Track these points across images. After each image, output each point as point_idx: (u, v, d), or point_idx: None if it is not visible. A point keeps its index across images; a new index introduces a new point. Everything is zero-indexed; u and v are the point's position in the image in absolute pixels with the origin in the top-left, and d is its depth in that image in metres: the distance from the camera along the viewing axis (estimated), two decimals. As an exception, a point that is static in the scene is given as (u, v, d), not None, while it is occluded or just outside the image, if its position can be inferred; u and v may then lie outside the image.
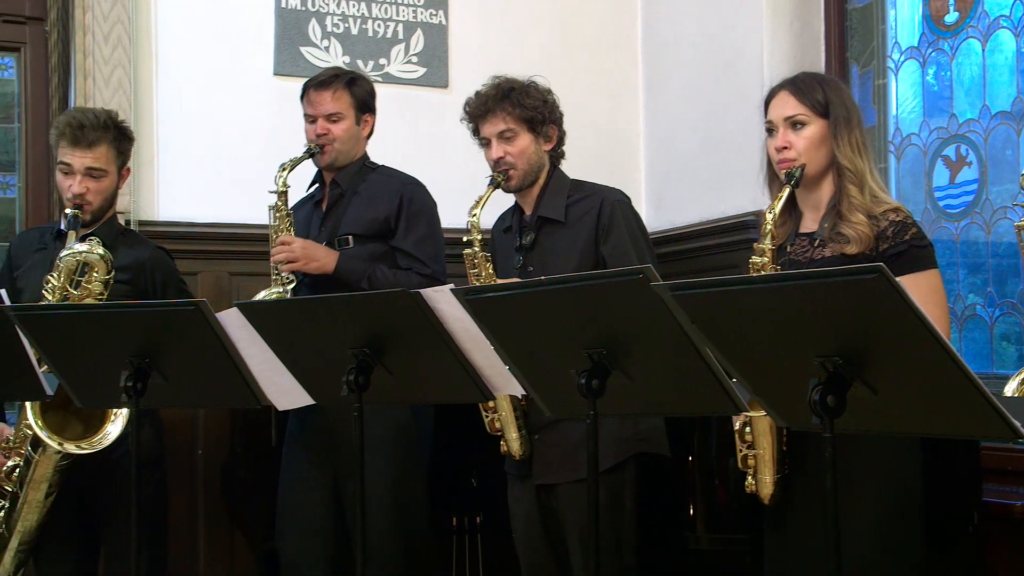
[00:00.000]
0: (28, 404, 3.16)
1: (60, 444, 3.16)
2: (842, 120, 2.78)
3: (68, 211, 3.32)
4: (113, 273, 3.26)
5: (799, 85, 2.82)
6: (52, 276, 3.24)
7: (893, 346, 1.89)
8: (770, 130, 2.85)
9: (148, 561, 3.31)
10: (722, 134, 4.49)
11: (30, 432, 3.20)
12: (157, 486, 3.46)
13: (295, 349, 2.68)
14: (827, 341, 1.92)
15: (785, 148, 2.78)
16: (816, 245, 2.77)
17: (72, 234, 3.26)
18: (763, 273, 2.68)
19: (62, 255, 3.23)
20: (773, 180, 2.87)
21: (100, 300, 3.21)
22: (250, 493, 4.24)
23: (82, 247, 3.23)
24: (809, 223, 2.84)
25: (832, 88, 2.83)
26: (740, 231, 4.24)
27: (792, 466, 2.73)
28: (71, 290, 3.23)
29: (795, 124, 2.79)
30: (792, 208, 2.87)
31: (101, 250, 3.24)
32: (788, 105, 2.81)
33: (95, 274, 3.24)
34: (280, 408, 2.90)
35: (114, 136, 3.41)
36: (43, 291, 3.24)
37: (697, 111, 4.68)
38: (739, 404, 2.22)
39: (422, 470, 3.62)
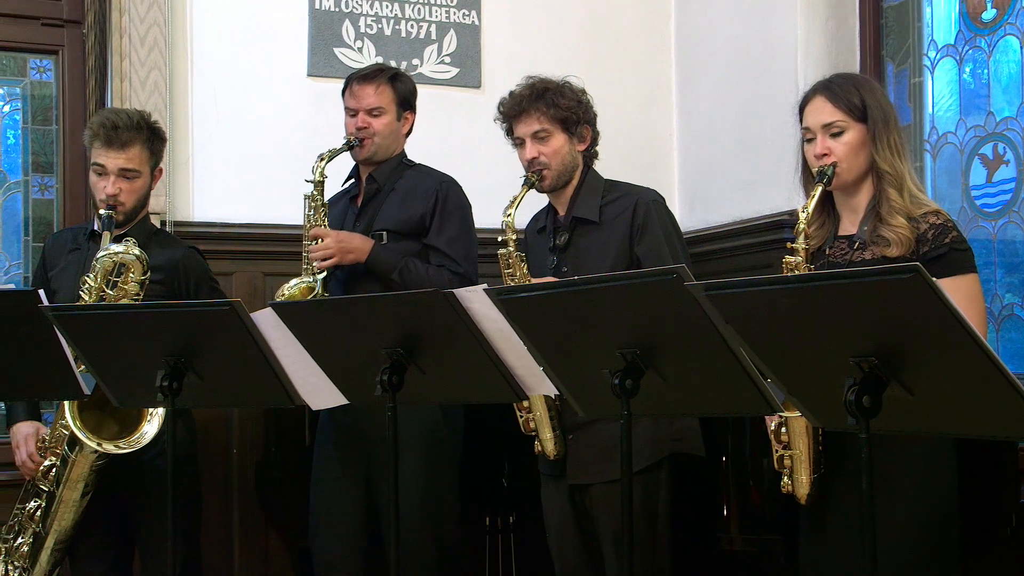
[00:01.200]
0: (66, 404, 3.18)
1: (99, 444, 3.18)
2: (880, 123, 2.75)
3: (102, 212, 3.33)
4: (149, 274, 3.28)
5: (834, 90, 2.79)
6: (89, 277, 3.25)
7: (930, 346, 1.88)
8: (808, 137, 2.83)
9: (183, 559, 3.32)
10: (756, 133, 4.47)
11: (66, 432, 3.23)
12: (190, 484, 3.47)
13: (329, 349, 2.69)
14: (863, 341, 1.91)
15: (825, 155, 2.76)
16: (856, 248, 2.75)
17: (107, 235, 3.27)
18: (797, 273, 2.67)
19: (99, 256, 3.25)
20: (808, 182, 2.85)
21: (136, 300, 3.23)
22: (284, 492, 4.25)
23: (118, 248, 3.25)
24: (848, 226, 2.82)
25: (868, 90, 2.80)
26: (774, 231, 4.22)
27: (828, 466, 2.71)
28: (107, 291, 3.25)
29: (833, 131, 2.77)
30: (830, 210, 2.85)
31: (137, 251, 3.26)
32: (825, 112, 2.78)
33: (131, 275, 3.25)
34: (314, 408, 2.91)
35: (147, 137, 3.43)
36: (80, 292, 3.26)
37: (731, 110, 4.66)
38: (773, 404, 2.22)
39: (453, 470, 3.62)
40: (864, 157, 2.76)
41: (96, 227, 3.43)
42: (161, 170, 3.54)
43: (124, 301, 3.21)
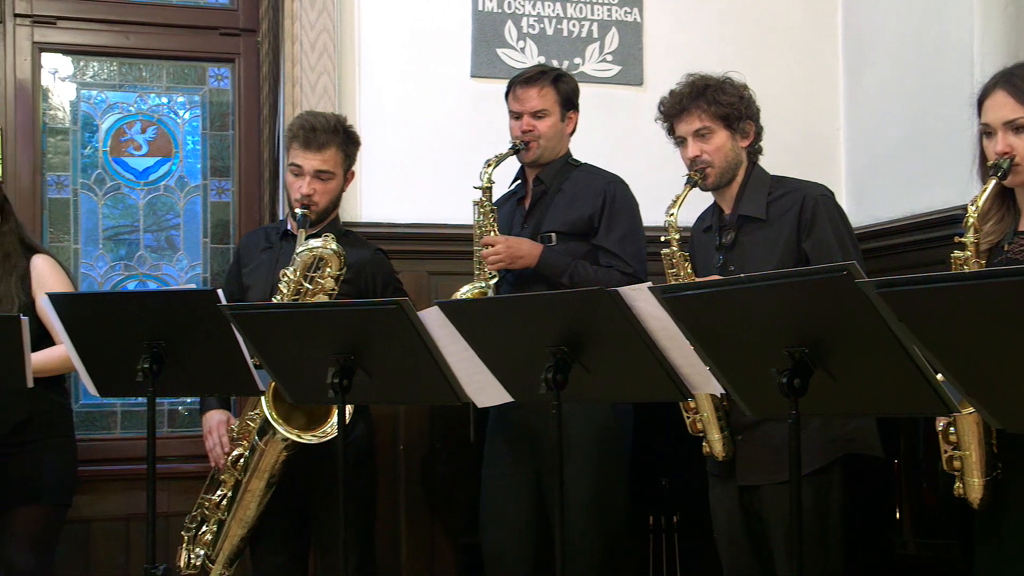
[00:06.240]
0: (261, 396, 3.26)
1: (298, 435, 3.25)
2: None
3: (297, 211, 3.43)
4: (344, 269, 3.35)
5: (1017, 83, 2.64)
6: (288, 270, 3.34)
7: (1120, 345, 1.80)
8: (988, 132, 2.71)
9: (358, 556, 3.39)
10: (928, 126, 4.33)
11: (251, 425, 3.33)
12: (369, 482, 3.55)
13: (494, 347, 2.71)
14: (1047, 339, 1.84)
15: (1006, 153, 2.64)
16: (1036, 244, 2.64)
17: (302, 232, 3.36)
18: (965, 268, 2.58)
19: (298, 250, 3.33)
20: (987, 177, 2.73)
21: (331, 295, 3.31)
22: (450, 488, 4.32)
23: (317, 243, 3.33)
24: (1028, 221, 2.70)
25: None
26: (947, 226, 4.08)
27: (1005, 469, 2.61)
28: (305, 284, 3.34)
29: (1016, 127, 2.64)
30: (1010, 204, 2.73)
31: (335, 246, 3.33)
32: (1007, 107, 2.64)
33: (328, 269, 3.33)
34: (479, 405, 2.94)
35: (342, 140, 3.52)
36: (279, 285, 3.35)
37: (901, 102, 4.53)
38: (949, 404, 2.15)
39: (623, 469, 3.61)
40: (1049, 154, 2.63)
41: (290, 227, 3.54)
42: (353, 173, 3.63)
43: (320, 295, 3.30)
